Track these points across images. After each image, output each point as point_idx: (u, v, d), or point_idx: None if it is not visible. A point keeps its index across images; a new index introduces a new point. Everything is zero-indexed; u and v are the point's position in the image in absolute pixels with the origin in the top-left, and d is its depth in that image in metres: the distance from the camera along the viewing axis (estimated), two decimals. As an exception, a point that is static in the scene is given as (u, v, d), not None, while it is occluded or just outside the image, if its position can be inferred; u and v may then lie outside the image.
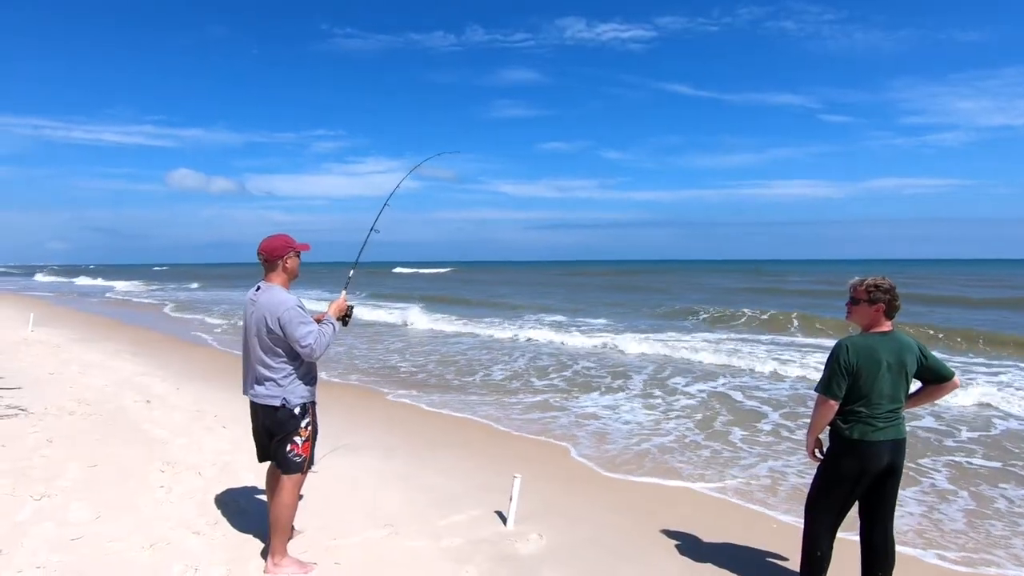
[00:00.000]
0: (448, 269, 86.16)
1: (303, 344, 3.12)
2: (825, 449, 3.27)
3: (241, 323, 3.50)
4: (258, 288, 3.31)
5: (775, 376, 10.30)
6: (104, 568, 3.42)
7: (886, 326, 3.14)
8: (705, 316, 19.98)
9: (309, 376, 3.32)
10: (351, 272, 4.05)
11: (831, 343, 3.37)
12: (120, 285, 46.07)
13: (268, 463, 3.47)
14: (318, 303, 24.67)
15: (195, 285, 46.35)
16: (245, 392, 3.37)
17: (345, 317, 3.46)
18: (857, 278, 3.21)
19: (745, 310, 20.01)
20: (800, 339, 15.16)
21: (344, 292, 3.61)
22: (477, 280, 51.53)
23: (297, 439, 3.23)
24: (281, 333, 3.13)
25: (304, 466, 3.30)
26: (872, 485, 3.14)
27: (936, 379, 3.23)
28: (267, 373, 3.21)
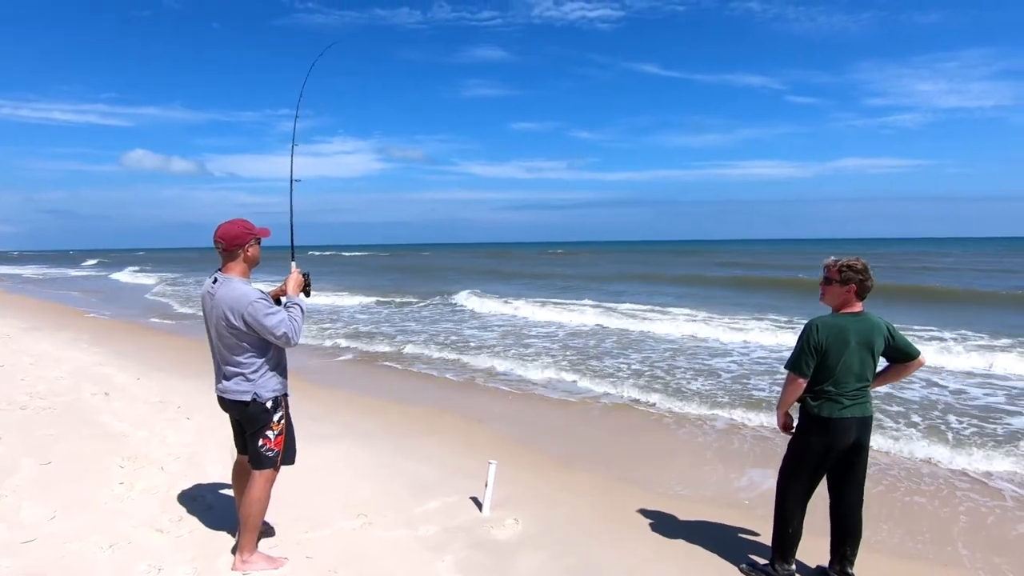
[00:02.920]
0: (366, 253, 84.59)
1: (277, 335, 2.99)
2: (795, 425, 3.35)
3: (201, 315, 3.34)
4: (215, 280, 3.11)
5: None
6: (61, 571, 3.26)
7: (857, 307, 3.19)
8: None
9: (280, 367, 3.20)
10: (291, 240, 3.75)
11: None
12: (78, 272, 44.47)
13: (239, 455, 3.39)
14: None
15: (144, 269, 44.86)
16: (216, 386, 3.23)
17: (307, 287, 3.32)
18: (832, 258, 3.23)
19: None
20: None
21: (294, 264, 3.41)
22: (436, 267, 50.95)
23: (269, 433, 3.12)
24: (245, 328, 2.99)
25: (277, 461, 3.19)
26: (839, 461, 3.22)
27: (903, 358, 3.29)
28: (234, 368, 3.09)
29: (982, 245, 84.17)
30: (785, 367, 3.24)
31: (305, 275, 3.33)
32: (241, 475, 3.33)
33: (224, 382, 3.13)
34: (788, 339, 11.05)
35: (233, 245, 3.04)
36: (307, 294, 3.31)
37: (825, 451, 3.16)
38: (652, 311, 15.81)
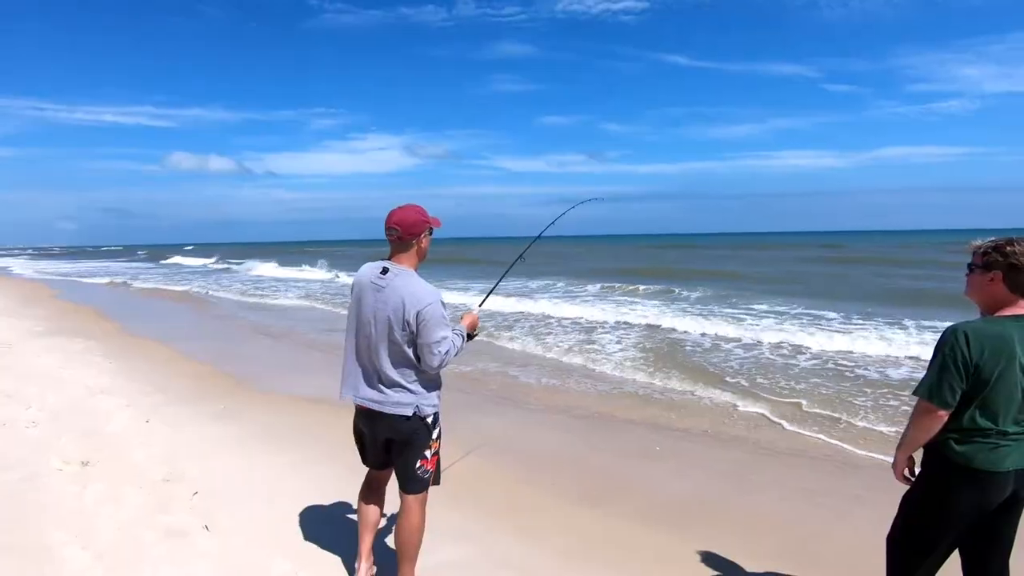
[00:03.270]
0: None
1: (435, 351, 2.63)
2: (917, 469, 2.43)
3: (348, 309, 2.85)
4: (385, 271, 2.70)
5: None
6: None
7: (1020, 307, 2.24)
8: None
9: (439, 378, 2.83)
10: (492, 288, 3.58)
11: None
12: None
13: (370, 472, 3.01)
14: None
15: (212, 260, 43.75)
16: (353, 395, 2.79)
17: (473, 334, 2.97)
18: (991, 239, 2.32)
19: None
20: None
21: (478, 308, 3.12)
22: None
23: (427, 452, 2.78)
24: (413, 328, 2.60)
25: (430, 482, 2.84)
26: (984, 521, 2.31)
27: None
28: (394, 376, 2.69)
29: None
30: (917, 394, 2.29)
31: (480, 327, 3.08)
32: (371, 498, 3.03)
33: (376, 391, 2.73)
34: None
35: (410, 233, 2.71)
36: (470, 338, 2.95)
37: (970, 512, 2.27)
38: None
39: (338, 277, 26.32)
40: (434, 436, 2.78)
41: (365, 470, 3.03)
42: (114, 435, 5.12)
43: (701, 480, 4.85)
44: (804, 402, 6.94)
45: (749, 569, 3.50)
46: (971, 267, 2.37)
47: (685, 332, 11.55)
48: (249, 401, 6.77)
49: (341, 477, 4.41)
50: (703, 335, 11.06)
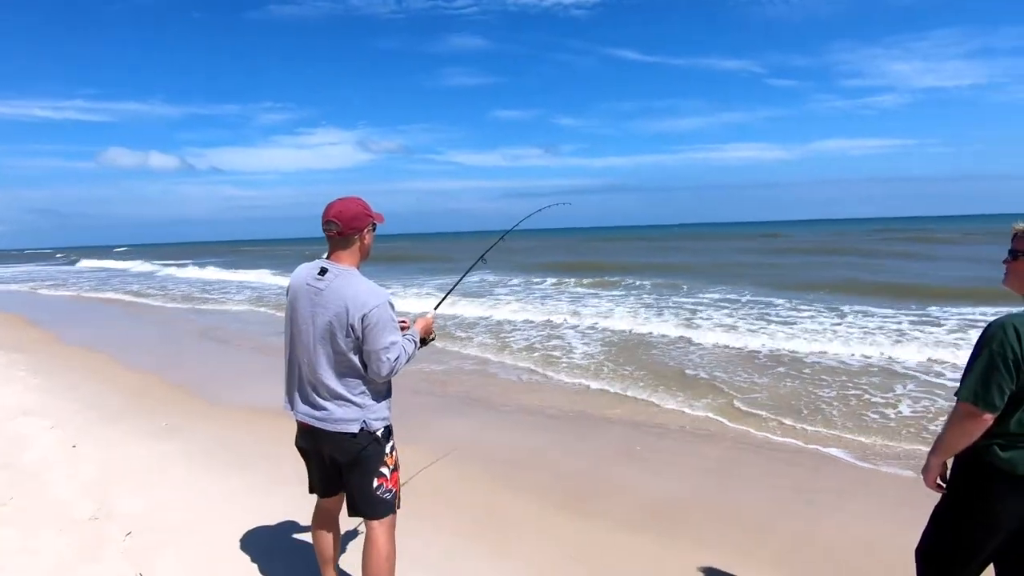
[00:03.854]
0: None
1: (384, 358, 2.37)
2: (950, 474, 2.19)
3: (285, 316, 2.55)
4: (323, 271, 2.43)
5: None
6: None
7: None
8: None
9: (388, 388, 2.53)
10: (449, 290, 3.51)
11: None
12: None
13: (319, 500, 2.68)
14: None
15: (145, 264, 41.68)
16: (294, 409, 2.51)
17: (426, 339, 2.74)
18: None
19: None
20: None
21: (434, 311, 2.87)
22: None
23: (384, 470, 2.47)
24: (360, 333, 2.34)
25: (396, 503, 2.54)
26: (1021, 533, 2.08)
27: None
28: (338, 387, 2.40)
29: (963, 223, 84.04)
30: (959, 396, 2.04)
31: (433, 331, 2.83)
32: (325, 527, 2.70)
33: (319, 406, 2.44)
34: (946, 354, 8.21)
35: (351, 228, 2.44)
36: (424, 343, 2.73)
37: (1013, 521, 2.05)
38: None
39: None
40: (387, 451, 2.50)
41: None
42: (32, 466, 4.51)
43: (685, 480, 4.64)
44: (764, 395, 6.86)
45: (744, 574, 3.29)
46: (1014, 253, 2.12)
47: (647, 326, 11.41)
48: (196, 415, 6.21)
49: (301, 504, 3.99)
50: (662, 335, 10.87)
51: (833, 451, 5.18)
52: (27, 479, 4.22)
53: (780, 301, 13.87)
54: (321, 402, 2.43)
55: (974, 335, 3.34)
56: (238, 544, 3.41)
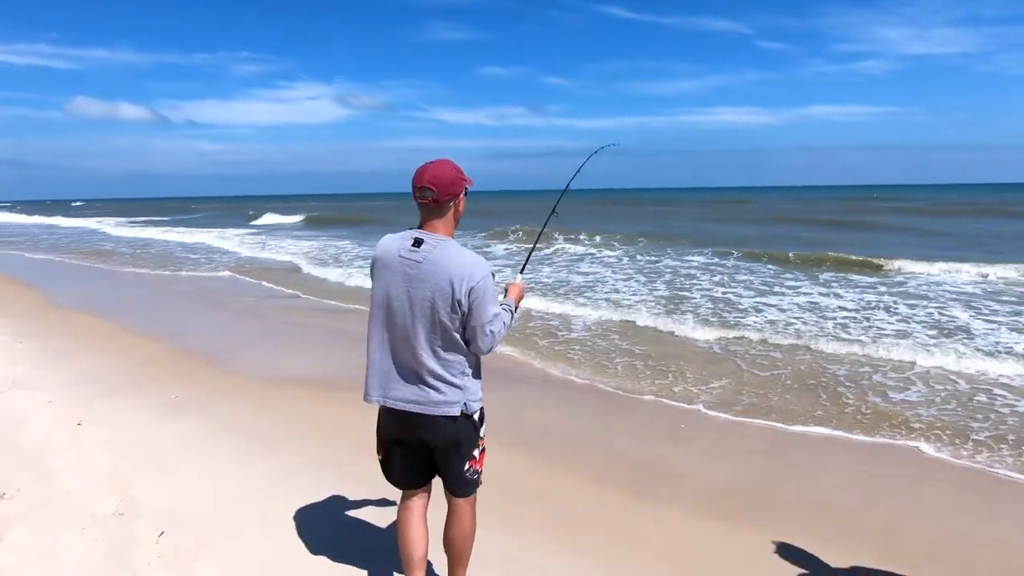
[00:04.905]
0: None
1: (488, 330, 2.28)
2: None
3: (371, 293, 2.38)
4: (418, 242, 2.28)
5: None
6: None
7: None
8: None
9: (480, 367, 2.44)
10: (530, 251, 3.40)
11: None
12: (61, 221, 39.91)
13: (407, 492, 2.53)
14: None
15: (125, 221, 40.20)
16: (382, 397, 2.35)
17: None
18: None
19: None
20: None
21: (520, 277, 2.73)
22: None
23: (475, 452, 2.43)
24: (468, 309, 2.24)
25: (479, 480, 2.51)
26: None
27: None
28: (439, 368, 2.30)
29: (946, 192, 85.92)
30: None
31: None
32: (414, 526, 2.52)
33: (415, 390, 2.31)
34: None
35: (447, 194, 2.30)
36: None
37: None
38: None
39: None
40: (481, 433, 2.46)
41: (373, 474, 2.57)
42: (35, 449, 4.07)
43: (740, 463, 4.39)
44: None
45: (827, 559, 3.10)
46: None
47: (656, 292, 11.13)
48: (209, 386, 5.79)
49: (346, 483, 3.66)
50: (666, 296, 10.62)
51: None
52: (32, 465, 3.78)
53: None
54: (419, 385, 2.31)
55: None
56: (288, 544, 3.06)
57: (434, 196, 2.26)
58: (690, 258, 15.98)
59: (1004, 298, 10.24)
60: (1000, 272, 12.23)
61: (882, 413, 5.32)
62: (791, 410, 5.42)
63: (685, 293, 11.13)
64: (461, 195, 2.35)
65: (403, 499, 2.53)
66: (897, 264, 13.51)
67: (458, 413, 2.32)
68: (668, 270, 14.07)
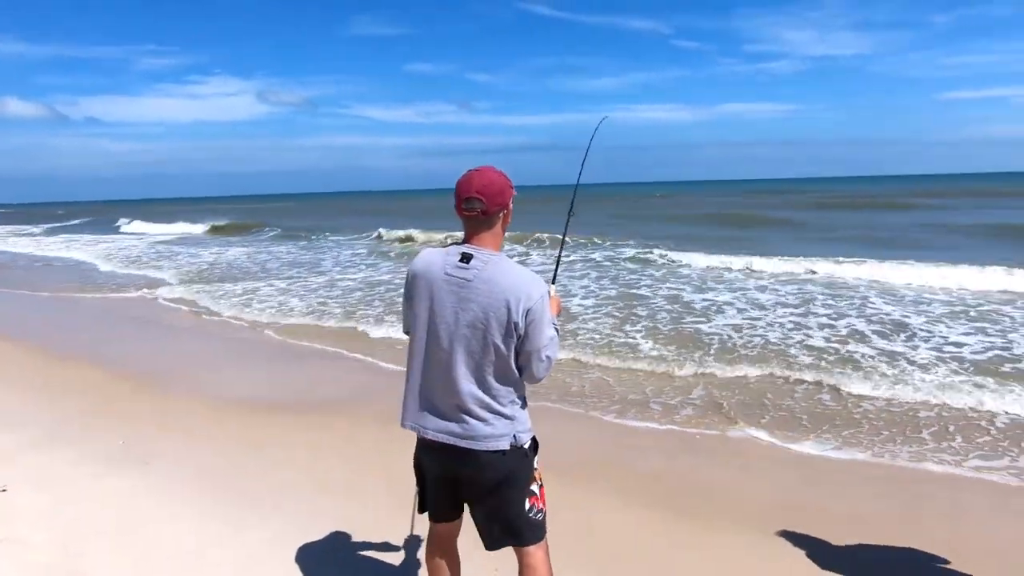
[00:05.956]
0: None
1: (544, 355, 2.09)
2: None
3: (412, 312, 2.16)
4: (466, 257, 2.07)
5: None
6: None
7: None
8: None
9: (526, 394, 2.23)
10: (558, 257, 3.20)
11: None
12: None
13: (435, 526, 2.31)
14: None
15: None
16: (420, 428, 2.15)
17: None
18: None
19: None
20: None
21: (554, 288, 2.34)
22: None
23: (534, 487, 2.18)
24: (524, 332, 2.04)
25: (546, 523, 2.22)
26: None
27: None
28: (487, 397, 2.09)
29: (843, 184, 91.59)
30: None
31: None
32: (447, 557, 2.32)
33: (456, 422, 2.10)
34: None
35: (497, 204, 2.11)
36: None
37: None
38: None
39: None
40: (535, 464, 2.22)
41: (397, 527, 2.49)
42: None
43: (765, 475, 4.13)
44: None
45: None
46: None
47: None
48: (158, 420, 5.01)
49: (362, 547, 3.06)
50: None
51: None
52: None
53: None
54: (463, 416, 2.10)
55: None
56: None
57: (483, 207, 2.08)
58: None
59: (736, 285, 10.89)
60: (761, 264, 12.64)
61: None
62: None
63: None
64: (510, 204, 2.17)
65: (432, 531, 2.32)
66: (685, 257, 14.18)
67: (507, 447, 2.11)
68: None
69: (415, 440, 2.21)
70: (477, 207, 2.07)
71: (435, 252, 2.17)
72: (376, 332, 8.21)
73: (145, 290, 12.57)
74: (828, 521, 3.43)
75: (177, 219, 38.20)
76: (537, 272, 2.12)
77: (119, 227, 37.06)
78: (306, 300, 10.82)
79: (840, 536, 3.27)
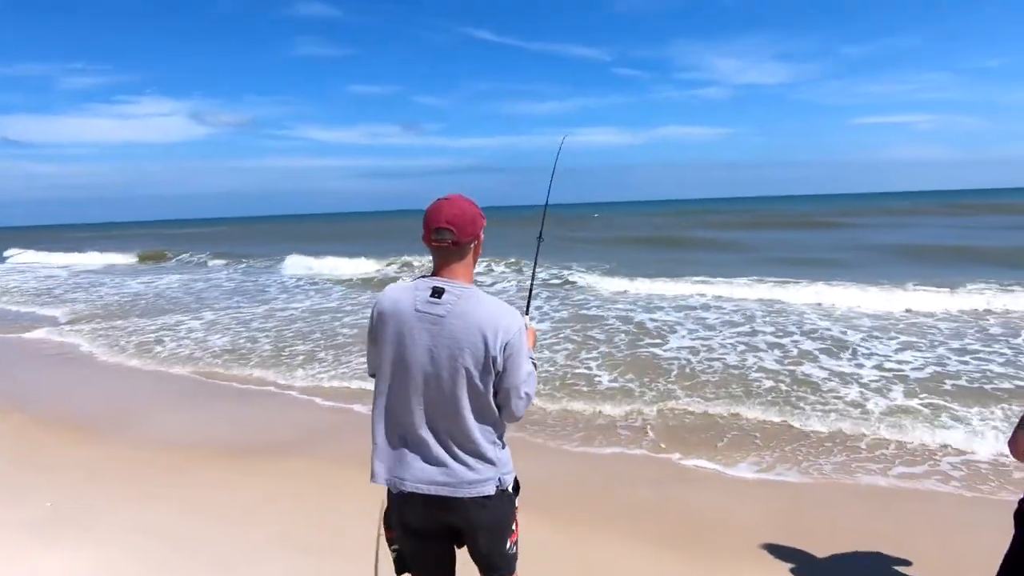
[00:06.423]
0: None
1: (523, 392, 2.03)
2: None
3: (376, 353, 2.06)
4: (437, 291, 1.98)
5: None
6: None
7: None
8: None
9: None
10: (531, 287, 2.94)
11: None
12: None
13: None
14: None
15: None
16: (396, 480, 2.02)
17: None
18: None
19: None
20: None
21: (527, 318, 2.28)
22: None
23: (513, 525, 2.14)
24: (503, 368, 1.98)
25: (517, 553, 2.20)
26: None
27: None
28: (468, 440, 2.01)
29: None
30: None
31: None
32: None
33: (440, 469, 2.00)
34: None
35: (468, 235, 2.03)
36: None
37: None
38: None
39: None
40: (516, 503, 2.17)
41: None
42: None
43: (758, 500, 4.13)
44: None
45: None
46: None
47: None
48: (86, 471, 4.55)
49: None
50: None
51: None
52: None
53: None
54: (445, 462, 2.00)
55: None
56: None
57: (454, 238, 1.99)
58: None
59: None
60: (694, 288, 12.80)
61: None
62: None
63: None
64: (481, 235, 2.08)
65: None
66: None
67: (492, 491, 2.04)
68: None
69: (384, 491, 2.06)
70: (448, 238, 1.98)
71: (402, 287, 2.07)
72: (301, 373, 7.59)
73: (47, 328, 11.31)
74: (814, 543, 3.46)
75: (103, 246, 35.50)
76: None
77: (7, 258, 32.58)
78: (233, 334, 10.10)
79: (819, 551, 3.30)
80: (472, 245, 2.05)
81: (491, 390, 1.99)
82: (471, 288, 2.01)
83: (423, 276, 2.06)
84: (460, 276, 2.02)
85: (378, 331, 2.03)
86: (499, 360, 1.96)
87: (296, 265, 20.99)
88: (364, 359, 2.14)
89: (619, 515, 3.96)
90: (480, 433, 2.01)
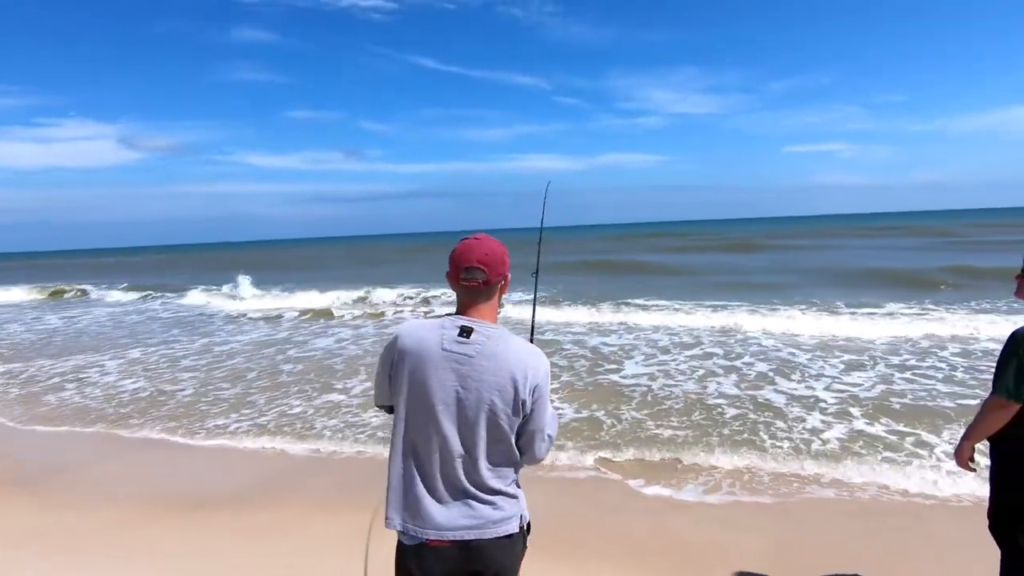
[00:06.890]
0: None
1: (547, 434, 2.03)
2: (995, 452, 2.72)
3: (392, 391, 2.01)
4: (466, 331, 1.95)
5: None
6: None
7: None
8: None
9: None
10: (532, 321, 2.94)
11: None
12: None
13: None
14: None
15: None
16: (416, 527, 1.94)
17: None
18: None
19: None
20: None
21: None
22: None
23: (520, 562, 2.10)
24: (530, 411, 1.95)
25: None
26: None
27: None
28: (493, 481, 1.97)
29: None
30: (997, 392, 2.58)
31: None
32: None
33: (465, 512, 1.94)
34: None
35: (498, 275, 2.03)
36: None
37: None
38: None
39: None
40: (527, 543, 2.15)
41: None
42: None
43: (741, 519, 4.22)
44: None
45: None
46: None
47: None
48: (39, 547, 4.13)
49: None
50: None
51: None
52: None
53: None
54: (470, 505, 1.95)
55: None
56: None
57: (485, 278, 1.98)
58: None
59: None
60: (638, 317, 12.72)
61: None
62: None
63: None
64: (508, 274, 2.08)
65: None
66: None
67: (517, 529, 2.01)
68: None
69: (393, 538, 1.97)
70: (479, 277, 1.97)
71: (426, 325, 2.01)
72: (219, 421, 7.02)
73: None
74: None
75: (20, 278, 33.04)
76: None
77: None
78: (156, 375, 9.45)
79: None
80: (500, 285, 2.05)
81: (515, 432, 1.97)
82: (499, 329, 1.99)
83: (449, 315, 2.03)
84: (487, 316, 2.01)
85: (397, 368, 1.97)
86: (528, 402, 1.94)
87: (198, 298, 20.63)
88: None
89: (589, 541, 3.95)
90: (502, 474, 1.98)
